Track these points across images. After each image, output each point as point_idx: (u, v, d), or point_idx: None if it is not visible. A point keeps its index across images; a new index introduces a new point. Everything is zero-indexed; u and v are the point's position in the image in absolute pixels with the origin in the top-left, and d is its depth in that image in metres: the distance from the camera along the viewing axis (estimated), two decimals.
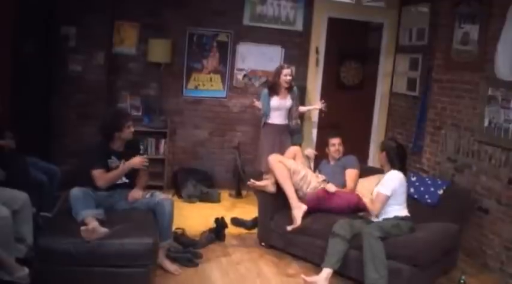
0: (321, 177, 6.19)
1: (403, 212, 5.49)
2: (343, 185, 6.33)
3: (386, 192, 5.41)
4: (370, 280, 5.02)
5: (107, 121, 5.46)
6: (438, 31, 7.39)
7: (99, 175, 5.27)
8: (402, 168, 5.59)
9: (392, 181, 5.43)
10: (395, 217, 5.40)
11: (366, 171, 6.52)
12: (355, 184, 6.33)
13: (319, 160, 6.88)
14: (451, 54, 6.96)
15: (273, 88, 7.51)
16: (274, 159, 6.13)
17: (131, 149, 5.51)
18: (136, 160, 5.40)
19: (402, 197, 5.50)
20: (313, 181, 6.07)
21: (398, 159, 5.55)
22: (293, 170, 6.03)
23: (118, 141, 5.41)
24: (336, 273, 5.38)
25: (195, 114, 8.64)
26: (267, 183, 6.16)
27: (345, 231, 5.31)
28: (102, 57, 7.86)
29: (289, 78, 7.41)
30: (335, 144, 6.57)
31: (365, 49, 9.22)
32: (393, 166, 5.54)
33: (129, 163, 5.39)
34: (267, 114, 7.49)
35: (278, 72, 7.47)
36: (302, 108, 7.87)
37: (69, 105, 7.79)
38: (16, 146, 5.85)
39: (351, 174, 6.35)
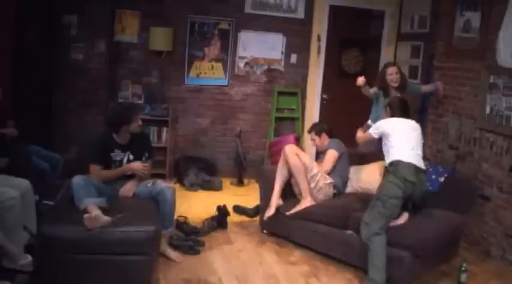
0: (329, 180, 6.15)
1: (398, 155, 5.29)
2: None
3: (373, 133, 5.65)
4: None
5: (116, 113, 5.42)
6: (440, 19, 7.37)
7: (95, 171, 5.26)
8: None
9: (381, 123, 5.64)
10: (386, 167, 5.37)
11: (367, 156, 6.49)
12: (330, 164, 6.22)
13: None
14: (452, 42, 6.95)
15: (384, 90, 6.83)
16: (290, 150, 6.08)
17: (138, 142, 5.49)
18: (137, 166, 5.40)
19: (400, 139, 5.40)
20: (321, 182, 6.05)
21: (399, 110, 5.72)
22: (306, 165, 6.03)
23: (124, 133, 5.38)
24: (340, 261, 5.41)
25: (196, 102, 8.64)
26: (274, 206, 6.05)
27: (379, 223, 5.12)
28: (104, 46, 7.86)
29: (395, 76, 6.70)
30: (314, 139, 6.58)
31: (366, 37, 9.22)
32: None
33: (129, 167, 5.40)
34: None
35: (383, 73, 6.86)
36: (426, 87, 7.20)
37: (71, 94, 7.79)
38: (18, 134, 5.87)
39: (327, 154, 6.31)
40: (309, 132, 6.64)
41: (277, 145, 7.32)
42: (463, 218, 5.71)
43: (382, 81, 6.83)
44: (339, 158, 6.29)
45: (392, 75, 6.69)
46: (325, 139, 6.49)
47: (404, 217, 5.30)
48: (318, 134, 6.49)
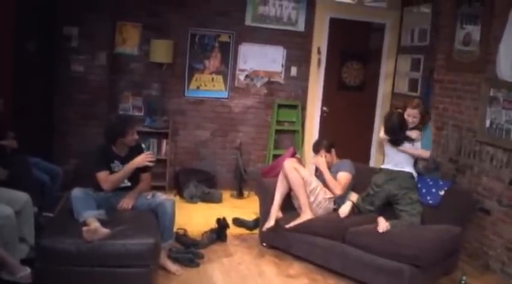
0: (329, 194, 6.12)
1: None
2: None
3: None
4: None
5: (111, 126, 5.51)
6: (440, 32, 7.40)
7: (104, 178, 5.27)
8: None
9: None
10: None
11: (367, 172, 6.48)
12: (343, 188, 6.14)
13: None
14: (452, 55, 6.97)
15: None
16: (289, 165, 6.10)
17: (136, 154, 5.47)
18: (139, 159, 5.38)
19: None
20: (320, 196, 6.05)
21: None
22: (305, 180, 6.03)
23: (120, 146, 5.41)
24: (339, 274, 5.41)
25: (197, 115, 8.64)
26: (274, 217, 6.05)
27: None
28: (104, 58, 7.87)
29: (411, 119, 6.05)
30: (322, 156, 6.46)
31: (367, 49, 9.22)
32: None
33: (132, 163, 5.38)
34: None
35: (404, 107, 6.25)
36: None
37: (71, 105, 7.79)
38: (18, 146, 5.86)
39: (339, 177, 6.20)
40: (317, 151, 6.47)
41: (270, 172, 7.27)
42: (461, 230, 5.72)
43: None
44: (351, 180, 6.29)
45: (409, 117, 6.05)
46: (334, 155, 6.48)
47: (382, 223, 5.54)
48: (328, 151, 6.43)
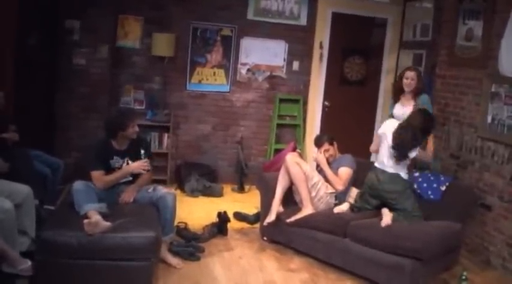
0: (330, 189, 6.13)
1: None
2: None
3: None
4: None
5: (111, 119, 5.47)
6: (442, 27, 7.38)
7: (98, 177, 5.25)
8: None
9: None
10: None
11: (368, 167, 6.45)
12: (345, 183, 6.14)
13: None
14: (454, 50, 6.95)
15: (396, 92, 6.56)
16: (291, 159, 6.08)
17: (136, 147, 5.49)
18: (135, 165, 5.39)
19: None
20: (322, 191, 6.06)
21: None
22: (307, 174, 6.02)
23: (121, 139, 5.40)
24: (340, 269, 5.45)
25: (198, 108, 8.64)
26: (275, 212, 6.03)
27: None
28: (106, 51, 7.87)
29: (411, 82, 6.27)
30: (321, 151, 6.42)
31: (369, 44, 9.21)
32: None
33: (128, 167, 5.39)
34: None
35: (401, 74, 6.46)
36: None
37: (73, 99, 7.80)
38: (19, 139, 5.87)
39: (340, 172, 6.18)
40: (319, 146, 6.42)
41: (272, 167, 7.28)
42: (462, 226, 5.71)
43: (398, 81, 6.53)
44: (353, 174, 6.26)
45: (407, 79, 6.26)
46: (336, 148, 6.46)
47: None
48: (331, 143, 6.41)
